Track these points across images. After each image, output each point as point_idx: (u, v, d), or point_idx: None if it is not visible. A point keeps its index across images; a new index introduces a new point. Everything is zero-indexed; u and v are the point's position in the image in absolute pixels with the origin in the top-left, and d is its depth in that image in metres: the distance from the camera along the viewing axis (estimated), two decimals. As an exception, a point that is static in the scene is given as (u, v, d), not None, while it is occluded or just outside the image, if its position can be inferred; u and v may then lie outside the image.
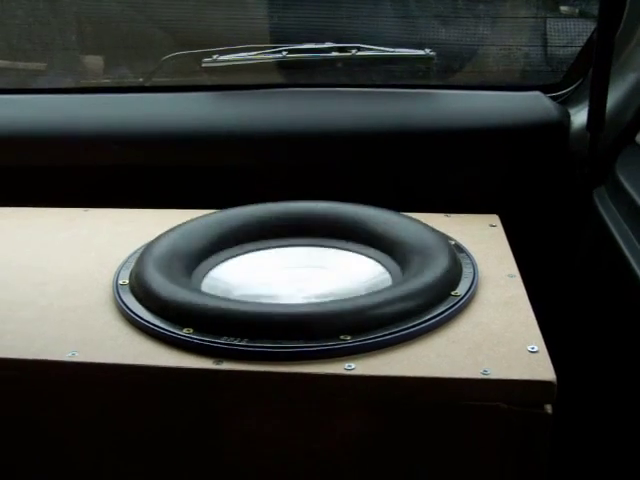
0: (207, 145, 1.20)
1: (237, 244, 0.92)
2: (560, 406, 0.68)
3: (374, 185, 1.16)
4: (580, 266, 1.10)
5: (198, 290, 0.78)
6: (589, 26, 1.28)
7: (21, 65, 1.59)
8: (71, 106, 1.28)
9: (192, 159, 1.20)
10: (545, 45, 1.38)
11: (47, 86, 1.45)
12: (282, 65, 1.30)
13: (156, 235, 0.92)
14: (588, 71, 1.16)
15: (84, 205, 1.12)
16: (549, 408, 0.67)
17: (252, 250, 0.92)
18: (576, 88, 1.21)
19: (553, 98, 1.20)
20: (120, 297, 0.81)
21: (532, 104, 1.17)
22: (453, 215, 1.04)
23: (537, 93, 1.20)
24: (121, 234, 1.01)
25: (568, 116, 1.16)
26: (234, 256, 0.91)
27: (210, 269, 0.87)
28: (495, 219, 1.03)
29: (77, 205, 1.12)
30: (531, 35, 1.39)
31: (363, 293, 0.77)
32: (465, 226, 1.00)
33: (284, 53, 1.27)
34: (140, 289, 0.81)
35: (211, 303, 0.75)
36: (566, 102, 1.20)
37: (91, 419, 0.74)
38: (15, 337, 0.76)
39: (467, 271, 0.85)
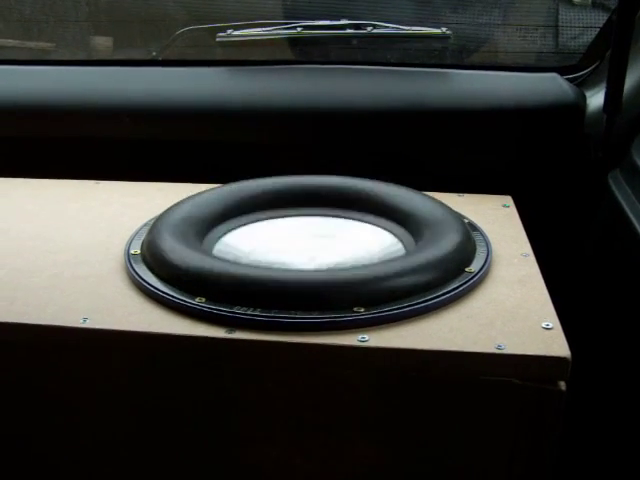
0: (220, 120, 1.19)
1: (249, 213, 0.92)
2: (573, 384, 0.68)
3: (387, 163, 1.15)
4: (594, 248, 1.09)
5: (211, 259, 0.78)
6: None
7: (31, 44, 1.58)
8: (84, 78, 1.28)
9: (204, 134, 1.20)
10: (563, 26, 1.37)
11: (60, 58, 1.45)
12: (296, 41, 1.29)
13: (167, 207, 0.92)
14: (606, 53, 1.15)
15: (95, 177, 1.12)
16: (563, 385, 0.67)
17: (264, 219, 0.92)
18: (593, 70, 1.20)
19: (570, 80, 1.19)
20: (132, 266, 0.81)
21: (548, 85, 1.16)
22: (466, 195, 1.04)
23: (554, 75, 1.19)
24: (132, 206, 1.01)
25: (584, 98, 1.15)
26: (246, 224, 0.90)
27: (222, 237, 0.86)
28: (508, 200, 1.02)
29: (89, 177, 1.12)
30: (548, 16, 1.38)
31: (376, 264, 0.77)
32: (478, 206, 1.00)
33: (299, 29, 1.26)
34: (152, 258, 0.81)
35: (224, 272, 0.75)
36: (583, 84, 1.19)
37: (102, 386, 0.74)
38: (27, 303, 0.76)
39: (481, 249, 0.85)
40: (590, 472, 1.04)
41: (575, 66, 1.23)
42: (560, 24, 1.37)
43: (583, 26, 1.36)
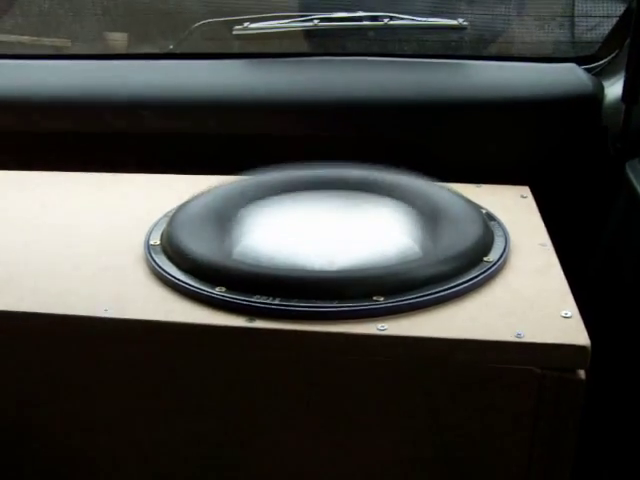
0: (237, 113, 1.20)
1: (268, 203, 0.93)
2: (591, 373, 0.68)
3: (404, 155, 1.15)
4: (611, 238, 1.09)
5: (230, 249, 0.78)
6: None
7: (46, 41, 1.59)
8: (102, 72, 1.28)
9: (222, 126, 1.20)
10: (580, 15, 1.36)
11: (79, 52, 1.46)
12: (313, 34, 1.29)
13: (185, 199, 0.92)
14: (624, 43, 1.14)
15: (114, 170, 1.12)
16: (582, 373, 0.67)
17: (284, 207, 0.92)
18: (611, 60, 1.20)
19: (588, 70, 1.19)
20: (152, 257, 0.82)
21: (566, 76, 1.16)
22: (484, 185, 1.04)
23: (571, 65, 1.18)
24: (151, 198, 1.02)
25: (602, 88, 1.15)
26: (265, 214, 0.91)
27: (241, 227, 0.87)
28: (526, 190, 1.02)
29: (107, 170, 1.13)
30: (566, 5, 1.37)
31: (395, 254, 0.77)
32: (496, 196, 1.00)
33: (315, 21, 1.26)
34: (172, 249, 0.81)
35: (244, 262, 0.75)
36: (601, 74, 1.19)
37: (123, 375, 0.75)
38: (49, 293, 0.77)
39: (499, 238, 0.85)
40: (610, 461, 1.04)
41: (593, 56, 1.23)
42: (578, 14, 1.36)
43: (601, 15, 1.35)
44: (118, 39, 1.62)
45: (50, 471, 0.83)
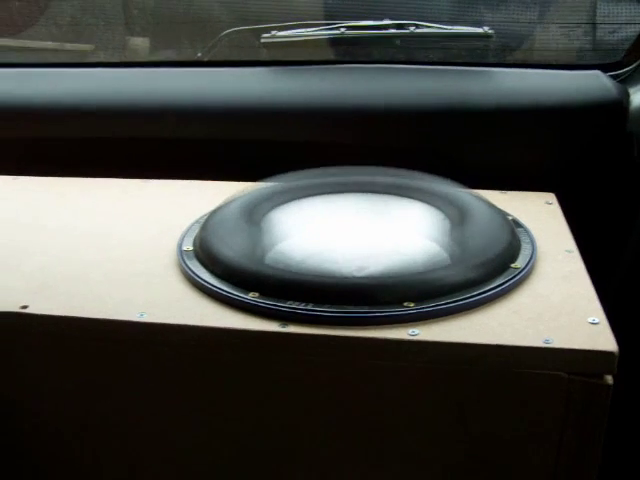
0: (264, 120, 1.21)
1: (300, 207, 0.94)
2: (619, 380, 0.69)
3: (430, 162, 1.16)
4: (637, 245, 1.09)
5: (264, 255, 0.80)
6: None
7: (69, 46, 1.60)
8: (130, 79, 1.31)
9: (249, 134, 1.22)
10: (606, 23, 1.37)
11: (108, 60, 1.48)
12: (340, 41, 1.30)
13: (214, 205, 0.94)
14: (650, 50, 1.15)
15: (142, 177, 1.14)
16: (609, 379, 0.68)
17: (316, 212, 0.94)
18: (637, 67, 1.20)
19: (613, 77, 1.19)
20: (185, 262, 0.83)
21: (591, 83, 1.17)
22: (509, 192, 1.05)
23: (596, 72, 1.19)
24: (181, 204, 1.03)
25: (628, 95, 1.15)
26: (298, 218, 0.92)
27: (274, 232, 0.89)
28: (551, 197, 1.03)
29: (135, 177, 1.14)
30: (591, 12, 1.37)
31: (425, 261, 0.78)
32: (521, 203, 1.01)
33: (342, 30, 1.28)
34: (205, 254, 0.83)
35: (277, 268, 0.76)
36: (626, 81, 1.19)
37: (156, 379, 0.76)
38: (83, 298, 0.79)
39: (525, 245, 0.86)
40: (636, 466, 1.05)
41: (618, 63, 1.23)
42: (603, 20, 1.37)
43: (627, 22, 1.35)
44: (139, 44, 1.63)
45: (81, 473, 0.85)
